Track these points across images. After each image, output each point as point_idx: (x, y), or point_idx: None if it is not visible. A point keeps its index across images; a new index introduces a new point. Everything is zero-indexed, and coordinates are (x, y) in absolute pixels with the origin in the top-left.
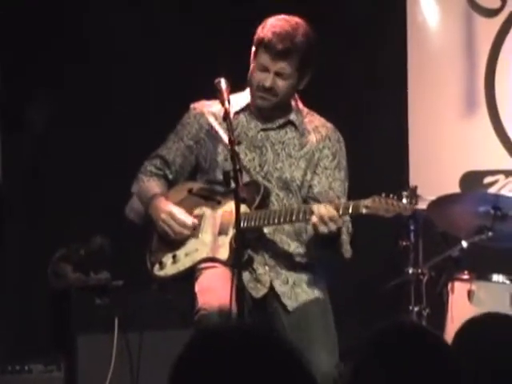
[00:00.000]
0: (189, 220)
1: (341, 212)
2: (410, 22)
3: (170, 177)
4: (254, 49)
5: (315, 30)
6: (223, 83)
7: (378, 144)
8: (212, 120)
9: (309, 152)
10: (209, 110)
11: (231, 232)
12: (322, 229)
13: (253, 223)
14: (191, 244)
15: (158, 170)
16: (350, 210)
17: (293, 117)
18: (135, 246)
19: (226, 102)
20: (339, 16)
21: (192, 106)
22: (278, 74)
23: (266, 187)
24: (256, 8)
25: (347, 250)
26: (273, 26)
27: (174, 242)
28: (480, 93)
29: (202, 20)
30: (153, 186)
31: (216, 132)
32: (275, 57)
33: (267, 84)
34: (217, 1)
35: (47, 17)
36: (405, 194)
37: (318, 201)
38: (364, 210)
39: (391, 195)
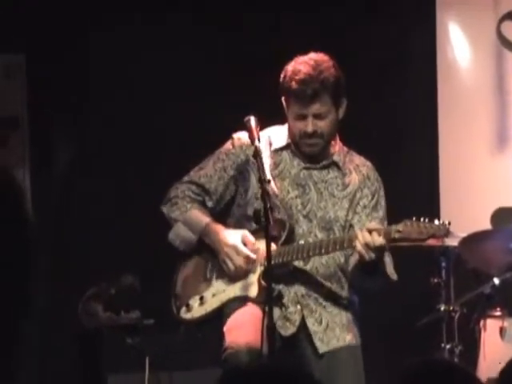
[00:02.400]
0: (252, 254)
1: (382, 237)
2: (439, 58)
3: (209, 204)
4: (283, 99)
5: (342, 65)
6: (253, 121)
7: (408, 181)
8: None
9: (351, 192)
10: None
11: (259, 269)
12: (370, 255)
13: (280, 259)
14: (218, 285)
15: (197, 195)
16: (382, 236)
17: (336, 157)
18: (165, 284)
19: (257, 141)
20: (367, 51)
21: (236, 136)
22: (316, 117)
23: (290, 224)
24: (281, 43)
25: (393, 273)
26: (295, 73)
27: (201, 282)
28: (511, 129)
29: (226, 57)
30: (200, 213)
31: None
32: (307, 102)
33: (309, 130)
34: (240, 36)
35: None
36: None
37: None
38: (396, 235)
39: (422, 218)
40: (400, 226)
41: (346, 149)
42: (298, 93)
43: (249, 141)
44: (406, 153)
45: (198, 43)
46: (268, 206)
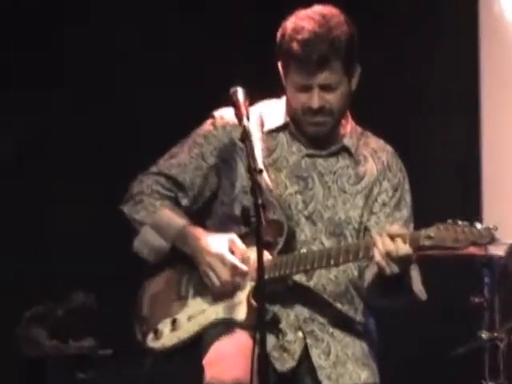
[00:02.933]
0: (242, 265)
1: (407, 244)
2: (483, 11)
3: (184, 202)
4: (280, 64)
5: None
6: (240, 94)
7: (440, 174)
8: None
9: (367, 186)
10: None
11: (248, 285)
12: (392, 268)
13: (277, 272)
14: (196, 304)
15: (168, 191)
16: (408, 243)
17: (347, 141)
18: (128, 304)
19: (245, 119)
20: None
21: (218, 114)
22: (323, 88)
23: (290, 226)
24: None
25: (421, 290)
26: (296, 31)
27: (173, 301)
28: None
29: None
30: (173, 213)
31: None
32: (313, 70)
33: (315, 104)
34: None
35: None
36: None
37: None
38: (426, 242)
39: (460, 221)
40: (431, 231)
41: (359, 129)
42: (301, 57)
43: (235, 119)
44: (437, 138)
45: None
46: (260, 202)
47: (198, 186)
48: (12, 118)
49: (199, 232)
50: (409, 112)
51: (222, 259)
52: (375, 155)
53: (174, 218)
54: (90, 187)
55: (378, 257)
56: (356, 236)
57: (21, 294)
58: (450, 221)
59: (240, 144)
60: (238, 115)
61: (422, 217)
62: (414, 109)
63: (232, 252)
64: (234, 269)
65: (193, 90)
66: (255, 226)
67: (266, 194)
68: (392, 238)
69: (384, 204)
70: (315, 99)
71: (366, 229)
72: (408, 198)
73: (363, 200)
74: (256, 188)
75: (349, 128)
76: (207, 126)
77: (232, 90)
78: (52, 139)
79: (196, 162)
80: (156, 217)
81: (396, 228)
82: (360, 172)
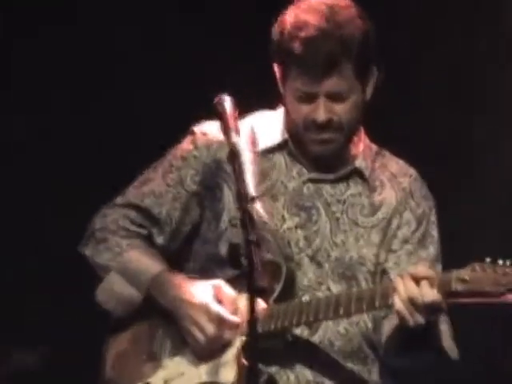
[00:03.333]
0: (232, 317)
1: (436, 289)
2: None
3: (160, 240)
4: (277, 67)
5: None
6: (227, 104)
7: (477, 204)
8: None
9: (385, 217)
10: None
11: (238, 341)
12: (416, 319)
13: (273, 325)
14: (174, 365)
15: (139, 227)
16: (436, 289)
17: (360, 162)
18: (88, 365)
19: (234, 134)
20: None
21: (199, 129)
22: (331, 97)
23: (289, 269)
24: None
25: (452, 348)
26: (298, 26)
27: (145, 362)
28: None
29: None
30: (145, 255)
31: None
32: (319, 75)
33: (321, 118)
34: None
35: None
36: None
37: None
38: (459, 286)
39: (501, 261)
40: (465, 272)
41: (375, 148)
42: (304, 59)
43: (220, 136)
44: (474, 164)
45: None
46: (252, 238)
47: (176, 219)
48: (12, 117)
49: (178, 279)
50: (441, 134)
51: (207, 311)
52: (394, 180)
53: (147, 262)
54: (90, 187)
55: (398, 304)
56: (371, 280)
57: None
58: (488, 259)
59: (227, 167)
60: (225, 130)
61: (453, 254)
62: (446, 126)
63: (219, 301)
64: (221, 322)
65: (193, 90)
66: (246, 268)
67: (259, 228)
68: (417, 280)
69: (406, 240)
70: (321, 111)
71: (384, 271)
72: (435, 232)
73: (380, 235)
74: (247, 220)
75: (361, 147)
76: (186, 144)
77: (217, 98)
78: (52, 139)
79: (174, 191)
80: (123, 260)
81: (421, 269)
82: (376, 201)
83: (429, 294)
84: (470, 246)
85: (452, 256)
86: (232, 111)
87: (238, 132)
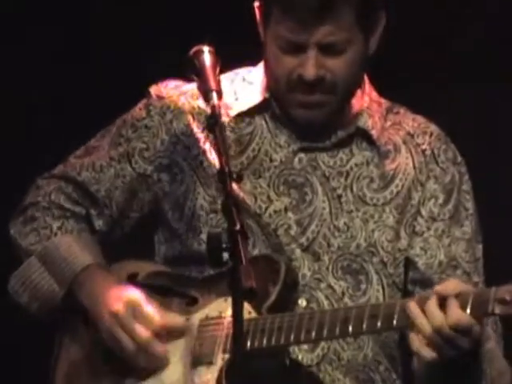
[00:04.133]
0: (170, 321)
1: (468, 311)
2: None
3: (98, 224)
4: (257, 6)
5: None
6: (207, 55)
7: None
8: (198, 124)
9: (401, 191)
10: (191, 101)
11: (220, 360)
12: (447, 351)
13: (265, 341)
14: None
15: (75, 204)
16: (469, 310)
17: (364, 121)
18: (33, 377)
19: (214, 93)
20: None
21: (155, 90)
22: (324, 49)
23: (289, 266)
24: None
25: (503, 372)
26: None
27: (102, 376)
28: None
29: None
30: (77, 242)
31: (204, 152)
32: (309, 20)
33: (309, 75)
34: None
35: None
36: None
37: (426, 286)
38: (498, 309)
39: None
40: (506, 291)
41: (386, 103)
42: (293, 1)
43: (180, 100)
44: None
45: None
46: (238, 227)
47: (117, 202)
48: None
49: (109, 277)
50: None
51: (140, 309)
52: (411, 141)
53: (77, 251)
54: None
55: (416, 345)
56: (386, 274)
57: None
58: None
59: (185, 140)
60: (204, 89)
61: (496, 267)
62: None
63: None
64: (159, 327)
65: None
66: (231, 265)
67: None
68: (440, 302)
69: (433, 218)
70: (310, 66)
71: (409, 260)
72: (470, 203)
73: (396, 214)
74: (232, 205)
75: (367, 101)
76: (139, 110)
77: (194, 49)
78: None
79: (117, 166)
80: (49, 245)
81: (450, 284)
82: (388, 170)
83: (459, 316)
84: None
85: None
86: (213, 66)
87: (219, 92)
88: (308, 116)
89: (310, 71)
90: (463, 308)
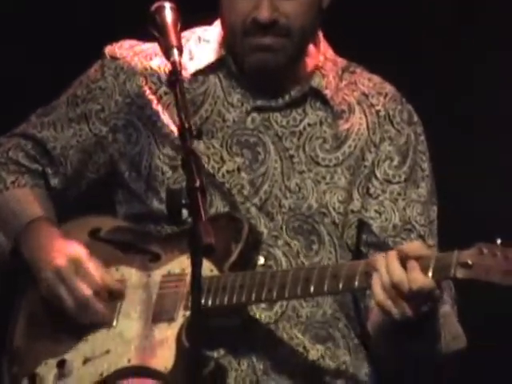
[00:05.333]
0: (111, 281)
1: (430, 274)
2: None
3: (54, 183)
4: None
5: None
6: (168, 11)
7: (490, 175)
8: (151, 85)
9: (354, 151)
10: (144, 62)
11: (181, 317)
12: (403, 310)
13: (227, 298)
14: (97, 339)
15: (33, 161)
16: (431, 273)
17: (318, 80)
18: None
19: (175, 50)
20: None
21: (109, 50)
22: None
23: (251, 225)
24: None
25: (456, 336)
26: None
27: (63, 330)
28: None
29: None
30: (28, 196)
31: (157, 112)
32: None
33: (264, 17)
34: None
35: None
36: None
37: (380, 249)
38: (459, 273)
39: None
40: (469, 255)
41: (342, 62)
42: None
43: (134, 61)
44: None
45: None
46: (198, 184)
47: (72, 161)
48: None
49: (55, 231)
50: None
51: (82, 266)
52: (366, 102)
53: (27, 205)
54: None
55: (378, 293)
56: (337, 235)
57: None
58: (499, 241)
59: (138, 101)
60: (165, 45)
61: (458, 232)
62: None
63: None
64: (99, 286)
65: None
66: (188, 222)
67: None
68: (404, 261)
69: (388, 180)
70: (264, 8)
71: (363, 223)
72: (426, 164)
73: (348, 175)
74: (192, 162)
75: (321, 60)
76: (94, 71)
77: (155, 5)
78: None
79: (76, 126)
80: (1, 199)
81: (413, 246)
82: (341, 130)
83: (418, 279)
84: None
85: (454, 234)
86: (174, 22)
87: (180, 49)
88: (263, 59)
89: (264, 13)
90: (425, 271)
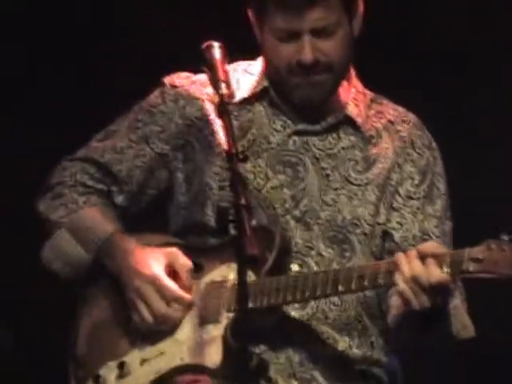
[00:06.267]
0: (183, 294)
1: (445, 270)
2: None
3: (119, 200)
4: (252, 11)
5: None
6: (217, 50)
7: (497, 175)
8: (208, 109)
9: (382, 172)
10: (201, 89)
11: (225, 318)
12: (422, 301)
13: (265, 301)
14: (153, 342)
15: (98, 182)
16: (446, 268)
17: (351, 110)
18: (56, 340)
19: (222, 84)
20: None
21: (169, 80)
22: (316, 33)
23: (282, 235)
24: None
25: (466, 326)
26: None
27: (122, 336)
28: None
29: None
30: (101, 214)
31: (213, 134)
32: (301, 7)
33: (307, 58)
34: None
35: None
36: None
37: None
38: (472, 267)
39: None
40: (479, 251)
41: (369, 94)
42: None
43: (192, 89)
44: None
45: None
46: (244, 200)
47: (137, 180)
48: None
49: (130, 243)
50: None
51: (158, 285)
52: (392, 128)
53: (101, 221)
54: None
55: (401, 285)
56: (368, 244)
57: None
58: (505, 237)
59: (198, 123)
60: (214, 79)
61: (469, 230)
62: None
63: (174, 273)
64: (173, 299)
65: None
66: (233, 236)
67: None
68: (423, 258)
69: (409, 196)
70: (307, 50)
71: (387, 233)
72: (442, 184)
73: (377, 192)
74: (238, 182)
75: (353, 92)
76: (154, 97)
77: (206, 44)
78: None
79: (137, 147)
80: (76, 217)
81: (430, 245)
82: (371, 154)
83: (435, 273)
84: (487, 221)
85: (465, 232)
86: (222, 59)
87: (228, 83)
88: (308, 94)
89: (307, 56)
90: (441, 267)
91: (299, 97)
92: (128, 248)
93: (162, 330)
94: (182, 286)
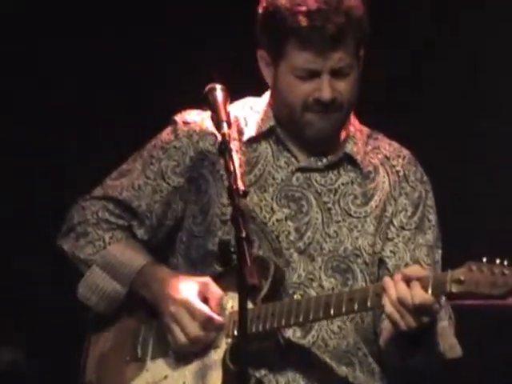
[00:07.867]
0: (217, 317)
1: (429, 291)
2: None
3: (140, 234)
4: (264, 51)
5: None
6: (219, 92)
7: (483, 195)
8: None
9: (379, 205)
10: (210, 128)
11: (224, 343)
12: (408, 321)
13: (261, 325)
14: (157, 368)
15: (119, 218)
16: (430, 290)
17: (351, 147)
18: (68, 366)
19: (225, 124)
20: None
21: (180, 118)
22: (334, 74)
23: (277, 265)
24: None
25: (453, 346)
26: (295, 1)
27: (127, 363)
28: None
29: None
30: (129, 247)
31: (219, 170)
32: (326, 49)
33: (327, 97)
34: None
35: None
36: None
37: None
38: (454, 288)
39: (498, 260)
40: (461, 273)
41: (366, 131)
42: (310, 33)
43: (203, 125)
44: (493, 145)
45: None
46: (244, 234)
47: (157, 214)
48: None
49: (163, 272)
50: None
51: (191, 309)
52: (387, 163)
53: (131, 255)
54: None
55: (388, 307)
56: (368, 272)
57: None
58: (485, 259)
59: (211, 157)
60: (216, 120)
61: (453, 253)
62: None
63: (204, 299)
64: (205, 322)
65: (182, 78)
66: (236, 265)
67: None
68: (408, 281)
69: (402, 227)
70: (327, 89)
71: (381, 261)
72: (432, 216)
73: (375, 224)
74: (239, 216)
75: (352, 129)
76: (167, 134)
77: (209, 86)
78: None
79: (153, 183)
80: (106, 254)
81: (414, 268)
82: (369, 189)
83: (419, 294)
84: (469, 243)
85: (449, 254)
86: (224, 101)
87: (229, 123)
88: (323, 128)
89: (327, 94)
90: (425, 288)
91: (312, 131)
92: (162, 277)
93: (189, 354)
94: (216, 310)
